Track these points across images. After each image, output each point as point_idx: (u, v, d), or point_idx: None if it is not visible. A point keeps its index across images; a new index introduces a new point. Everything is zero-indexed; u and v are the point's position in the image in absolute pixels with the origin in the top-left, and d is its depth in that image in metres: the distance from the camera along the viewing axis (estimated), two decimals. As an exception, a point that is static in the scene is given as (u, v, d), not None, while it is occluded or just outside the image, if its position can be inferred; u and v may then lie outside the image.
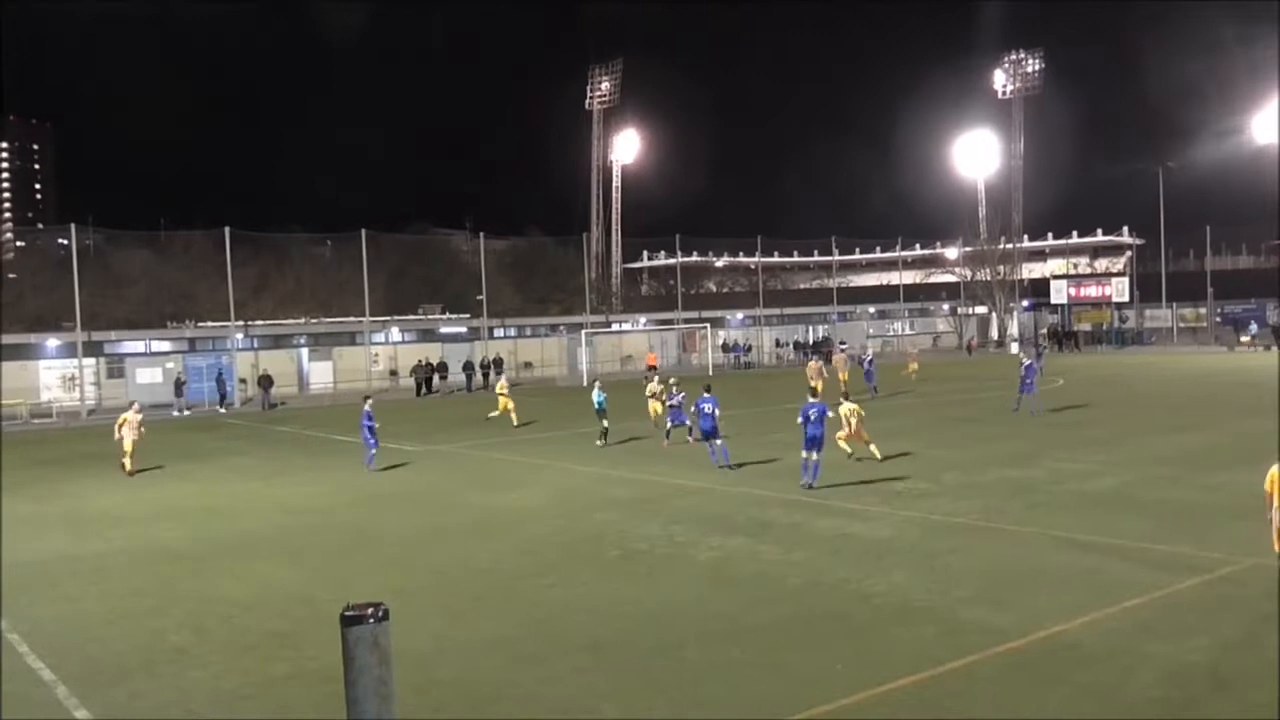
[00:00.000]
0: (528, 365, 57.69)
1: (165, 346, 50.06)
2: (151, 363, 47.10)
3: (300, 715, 8.98)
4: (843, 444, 21.48)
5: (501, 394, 33.21)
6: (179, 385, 43.41)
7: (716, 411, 21.90)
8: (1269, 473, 11.35)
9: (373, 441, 23.60)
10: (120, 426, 24.77)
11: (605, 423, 26.34)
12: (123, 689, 9.77)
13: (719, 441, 21.83)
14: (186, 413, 42.47)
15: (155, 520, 18.48)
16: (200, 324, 55.35)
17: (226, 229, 46.87)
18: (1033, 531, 14.73)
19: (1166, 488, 17.63)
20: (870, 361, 38.17)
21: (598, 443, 25.90)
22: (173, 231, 65.64)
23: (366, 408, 24.12)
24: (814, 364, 36.07)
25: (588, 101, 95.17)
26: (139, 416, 25.18)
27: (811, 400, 19.37)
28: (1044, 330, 72.07)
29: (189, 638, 11.29)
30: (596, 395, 26.96)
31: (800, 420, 18.88)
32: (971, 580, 12.32)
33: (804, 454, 18.81)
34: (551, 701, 9.08)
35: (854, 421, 21.48)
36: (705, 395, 22.22)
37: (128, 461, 24.38)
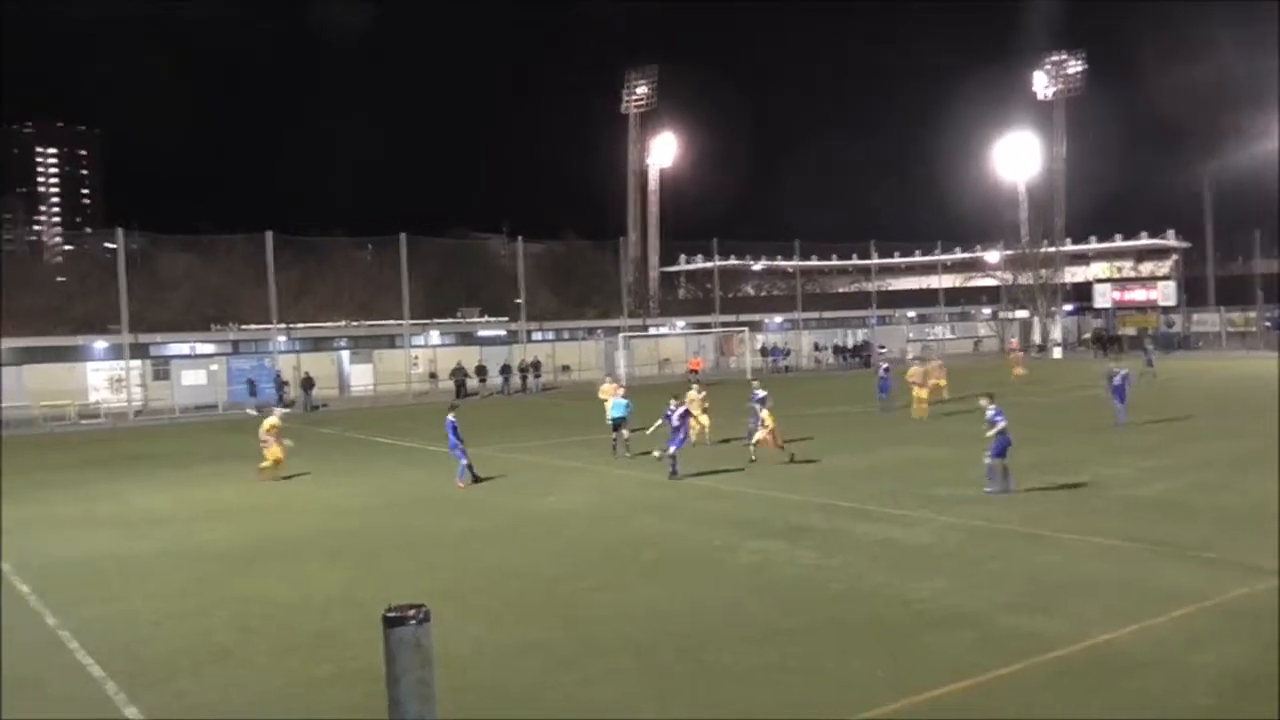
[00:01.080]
0: (565, 368, 57.80)
1: (209, 349, 50.69)
2: (196, 365, 47.73)
3: (343, 715, 9.05)
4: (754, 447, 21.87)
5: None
6: (252, 386, 44.54)
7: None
8: None
9: (461, 454, 21.51)
10: (267, 432, 23.00)
11: (626, 432, 24.80)
12: (169, 688, 9.90)
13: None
14: (253, 412, 43.07)
15: (200, 521, 18.71)
16: (243, 327, 55.98)
17: (268, 233, 47.38)
18: (1077, 538, 14.54)
19: (1215, 494, 17.36)
20: (886, 370, 35.20)
21: (625, 455, 24.35)
22: (215, 235, 66.46)
23: (451, 417, 21.95)
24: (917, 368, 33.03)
25: (624, 105, 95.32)
26: (280, 423, 23.46)
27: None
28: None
29: (234, 637, 11.42)
30: (617, 403, 25.25)
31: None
32: (1015, 586, 12.20)
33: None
34: (589, 704, 9.10)
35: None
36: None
37: (268, 467, 22.83)
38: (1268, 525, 14.80)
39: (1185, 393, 36.39)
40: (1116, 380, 27.71)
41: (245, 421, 40.58)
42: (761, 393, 25.33)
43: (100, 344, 47.60)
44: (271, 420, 23.35)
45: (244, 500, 20.95)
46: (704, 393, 26.63)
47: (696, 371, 51.07)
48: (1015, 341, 71.03)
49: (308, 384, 44.89)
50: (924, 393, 31.42)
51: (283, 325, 51.58)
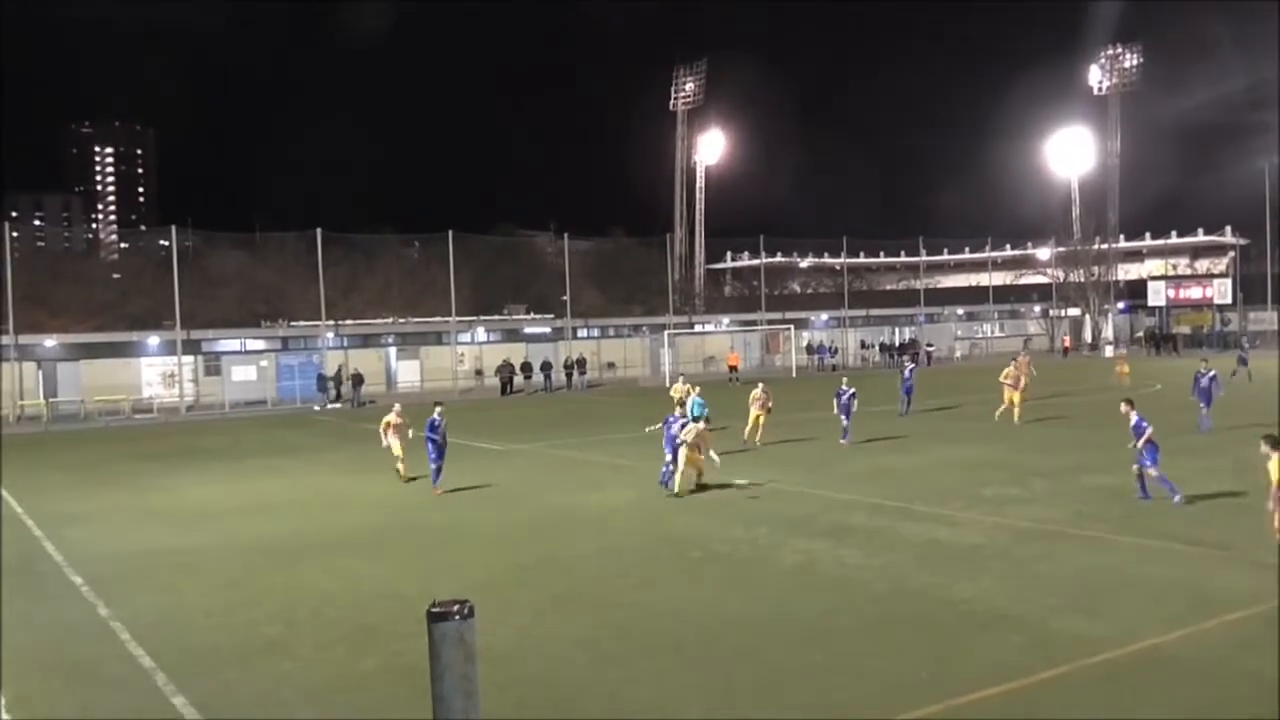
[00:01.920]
0: (610, 365, 57.90)
1: (259, 345, 51.37)
2: (246, 361, 48.42)
3: (388, 708, 9.14)
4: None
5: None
6: (322, 380, 45.32)
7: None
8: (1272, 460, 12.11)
9: (434, 456, 20.02)
10: (385, 430, 21.67)
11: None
12: (217, 678, 10.05)
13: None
14: (334, 405, 44.48)
15: (249, 514, 18.98)
16: (292, 323, 56.62)
17: (318, 230, 47.92)
18: (1127, 540, 14.32)
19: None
20: (910, 373, 33.19)
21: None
22: (266, 233, 67.25)
23: (435, 415, 20.30)
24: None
25: (672, 102, 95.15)
26: (401, 420, 21.79)
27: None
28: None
29: (281, 630, 11.57)
30: (695, 402, 23.80)
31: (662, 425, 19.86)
32: (1063, 588, 12.03)
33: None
34: (633, 702, 9.10)
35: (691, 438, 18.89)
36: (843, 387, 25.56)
37: (401, 467, 21.61)
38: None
39: (1240, 388, 35.65)
40: (1204, 381, 26.04)
41: (294, 416, 41.14)
42: (849, 391, 25.78)
43: (154, 340, 48.37)
44: (389, 417, 21.77)
45: (292, 494, 21.21)
46: (766, 393, 25.81)
47: (735, 368, 50.88)
48: (1067, 339, 70.08)
49: (356, 380, 45.36)
50: (1017, 395, 28.85)
51: (331, 322, 52.14)
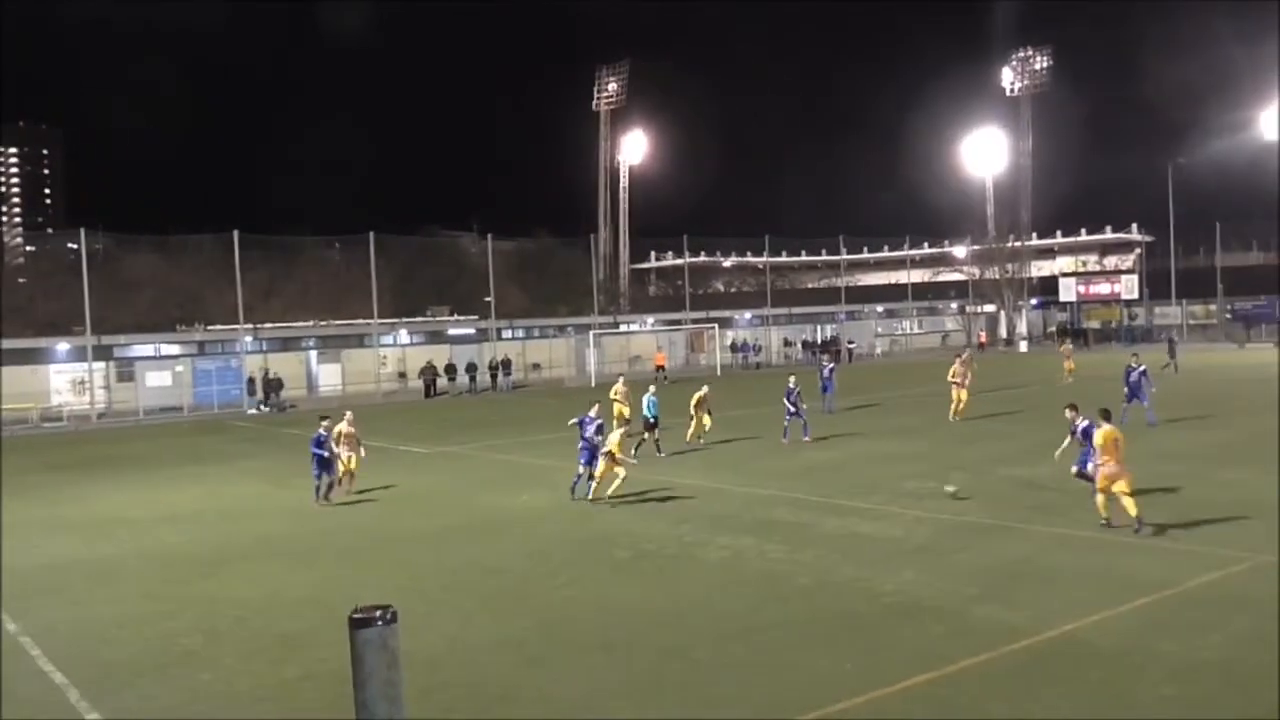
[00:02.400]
0: (536, 366, 57.71)
1: (174, 350, 50.21)
2: (161, 366, 47.26)
3: (312, 717, 9.00)
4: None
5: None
6: (251, 384, 44.66)
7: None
8: None
9: (316, 472, 19.17)
10: (337, 441, 19.89)
11: (658, 432, 24.12)
12: (134, 692, 9.80)
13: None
14: (266, 409, 44.08)
15: (166, 523, 18.54)
16: (209, 327, 55.45)
17: (235, 232, 46.96)
18: (1042, 530, 14.69)
19: (1178, 484, 17.54)
20: (830, 372, 32.20)
21: (659, 454, 23.45)
22: (182, 235, 65.78)
23: (321, 430, 19.34)
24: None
25: (595, 102, 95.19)
26: (353, 430, 20.36)
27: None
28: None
29: (200, 640, 11.32)
30: (649, 400, 24.40)
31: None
32: (982, 578, 12.30)
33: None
34: (562, 702, 9.09)
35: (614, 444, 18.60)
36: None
37: (347, 481, 20.14)
38: (1228, 516, 15.01)
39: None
40: (1134, 376, 25.71)
41: (212, 422, 40.28)
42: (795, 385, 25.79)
43: (63, 346, 46.97)
44: (341, 426, 20.12)
45: (210, 503, 20.76)
46: (707, 392, 26.07)
47: (662, 368, 51.09)
48: (983, 335, 71.65)
49: (275, 385, 44.59)
50: (964, 393, 28.85)
51: (250, 325, 51.17)
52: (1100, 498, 14.38)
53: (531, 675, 9.78)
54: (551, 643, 10.70)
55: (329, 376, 51.33)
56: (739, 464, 22.24)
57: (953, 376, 29.18)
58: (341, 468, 19.93)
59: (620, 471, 18.22)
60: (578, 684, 9.49)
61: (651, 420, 24.20)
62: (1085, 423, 15.93)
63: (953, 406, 28.81)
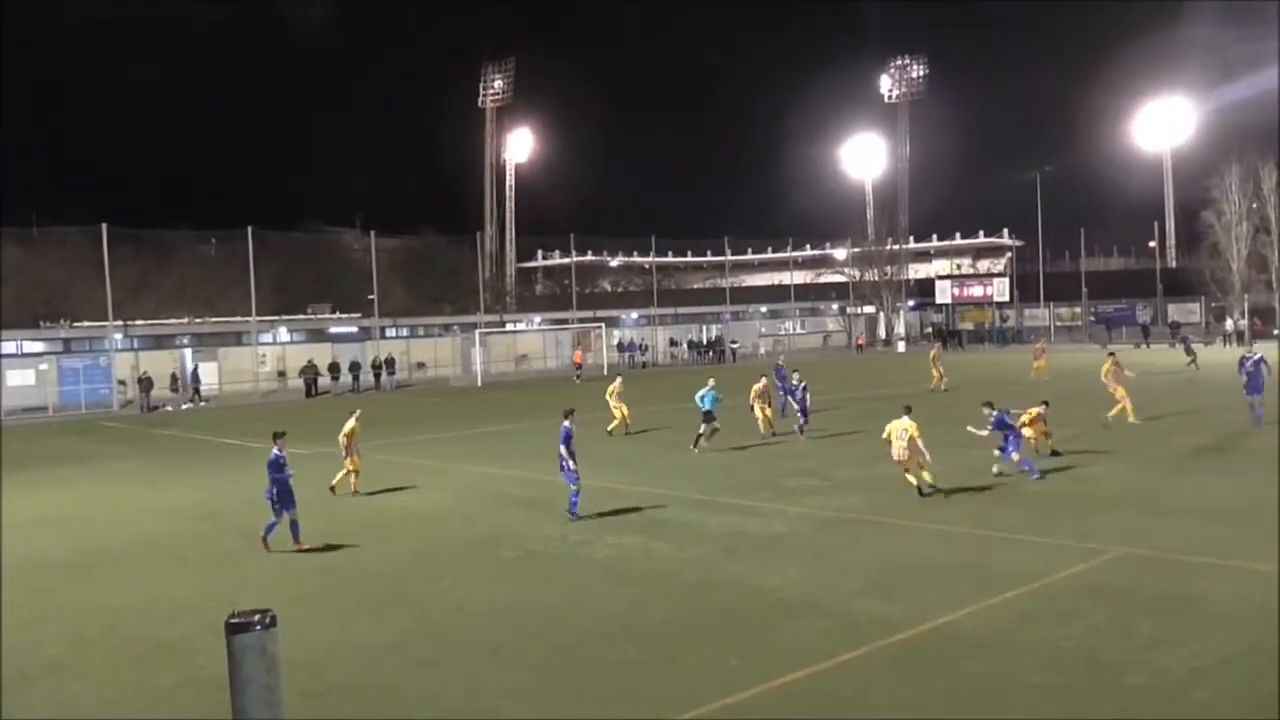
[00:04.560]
0: (421, 365, 56.93)
1: (39, 347, 48.00)
2: (24, 364, 45.11)
3: (188, 726, 8.75)
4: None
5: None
6: (142, 382, 43.12)
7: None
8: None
9: (275, 506, 15.20)
10: (349, 438, 19.66)
11: (715, 424, 23.75)
12: (-3, 705, 9.38)
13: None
14: (188, 406, 43.59)
15: (31, 528, 17.73)
16: (76, 324, 53.16)
17: (103, 225, 45.13)
18: (920, 526, 15.16)
19: (1044, 480, 18.26)
20: (802, 390, 25.61)
21: (696, 448, 23.36)
22: (46, 227, 62.87)
23: (276, 449, 15.44)
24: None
25: (480, 99, 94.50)
26: (359, 426, 20.05)
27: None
28: (928, 329, 73.45)
29: (68, 649, 10.90)
30: (708, 394, 23.82)
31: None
32: (862, 574, 12.64)
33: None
34: (449, 704, 9.03)
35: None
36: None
37: (353, 480, 19.60)
38: (1091, 510, 15.73)
39: (1017, 382, 38.19)
40: (1249, 365, 24.12)
41: (80, 423, 38.63)
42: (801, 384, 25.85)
43: (-84, 343, 44.49)
44: (351, 425, 19.82)
45: (76, 506, 19.95)
46: (621, 385, 27.51)
47: (580, 365, 51.34)
48: (863, 336, 73.43)
49: (146, 384, 43.05)
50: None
51: (120, 322, 49.25)
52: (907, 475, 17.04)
53: (417, 677, 9.69)
54: (437, 645, 10.61)
55: (206, 375, 49.68)
56: (626, 463, 22.34)
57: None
58: (350, 465, 19.66)
59: None
60: (463, 686, 9.44)
61: (708, 413, 23.76)
62: (998, 415, 18.45)
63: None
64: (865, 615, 10.97)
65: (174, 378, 46.41)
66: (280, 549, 15.00)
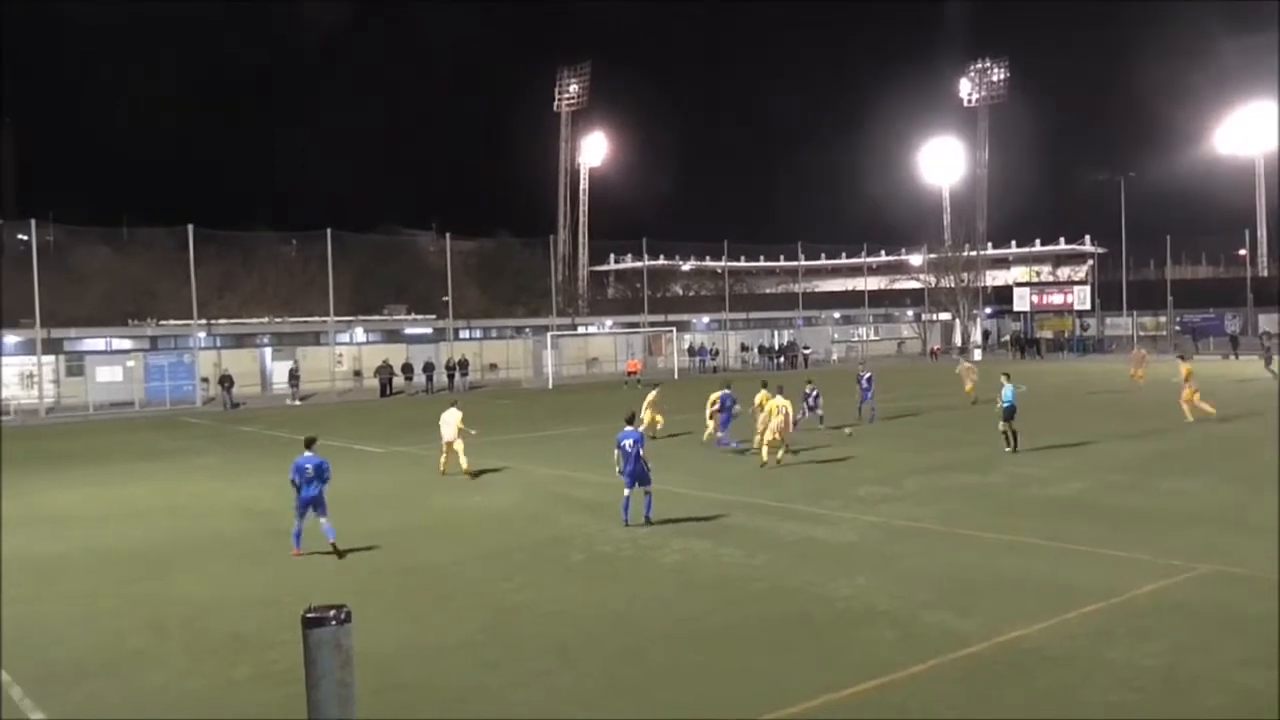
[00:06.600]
0: (493, 367, 57.51)
1: (126, 344, 49.44)
2: (112, 361, 46.52)
3: (263, 718, 8.93)
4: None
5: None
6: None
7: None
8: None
9: (300, 511, 14.78)
10: (453, 434, 21.69)
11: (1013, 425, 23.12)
12: (81, 690, 9.67)
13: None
14: (298, 402, 45.60)
15: (116, 520, 18.27)
16: (162, 322, 54.67)
17: (190, 226, 46.39)
18: (993, 537, 14.89)
19: (1124, 494, 17.87)
20: (732, 402, 25.62)
21: (1006, 449, 22.89)
22: (135, 228, 64.76)
23: (309, 453, 14.89)
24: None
25: (556, 104, 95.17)
26: (459, 414, 22.16)
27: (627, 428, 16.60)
28: (1005, 337, 72.43)
29: (150, 639, 11.19)
30: (1008, 392, 23.32)
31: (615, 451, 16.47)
32: (933, 585, 12.45)
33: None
34: (516, 705, 9.09)
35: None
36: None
37: (464, 461, 21.73)
38: (1173, 525, 15.31)
39: (1098, 392, 37.33)
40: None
41: (164, 418, 39.72)
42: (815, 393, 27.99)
43: (11, 338, 46.07)
44: (452, 415, 22.17)
45: (160, 500, 20.50)
46: (659, 393, 28.10)
47: (635, 373, 51.07)
48: (938, 343, 72.38)
49: (227, 381, 44.11)
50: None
51: (203, 321, 50.54)
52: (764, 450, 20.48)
53: (485, 678, 9.76)
54: (505, 645, 10.69)
55: (283, 374, 50.78)
56: (695, 468, 22.31)
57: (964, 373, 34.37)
58: (459, 449, 21.85)
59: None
60: (531, 687, 9.49)
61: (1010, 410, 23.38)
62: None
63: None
64: (936, 627, 10.79)
65: (291, 373, 48.28)
66: (353, 544, 15.23)
